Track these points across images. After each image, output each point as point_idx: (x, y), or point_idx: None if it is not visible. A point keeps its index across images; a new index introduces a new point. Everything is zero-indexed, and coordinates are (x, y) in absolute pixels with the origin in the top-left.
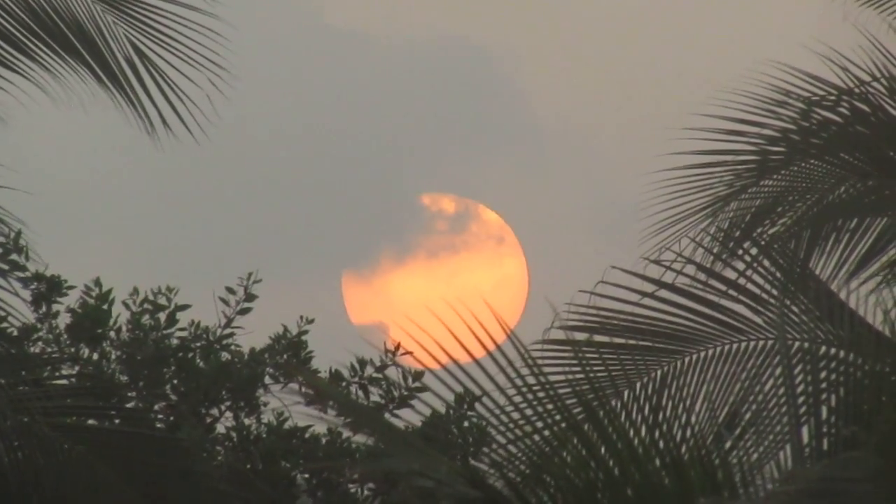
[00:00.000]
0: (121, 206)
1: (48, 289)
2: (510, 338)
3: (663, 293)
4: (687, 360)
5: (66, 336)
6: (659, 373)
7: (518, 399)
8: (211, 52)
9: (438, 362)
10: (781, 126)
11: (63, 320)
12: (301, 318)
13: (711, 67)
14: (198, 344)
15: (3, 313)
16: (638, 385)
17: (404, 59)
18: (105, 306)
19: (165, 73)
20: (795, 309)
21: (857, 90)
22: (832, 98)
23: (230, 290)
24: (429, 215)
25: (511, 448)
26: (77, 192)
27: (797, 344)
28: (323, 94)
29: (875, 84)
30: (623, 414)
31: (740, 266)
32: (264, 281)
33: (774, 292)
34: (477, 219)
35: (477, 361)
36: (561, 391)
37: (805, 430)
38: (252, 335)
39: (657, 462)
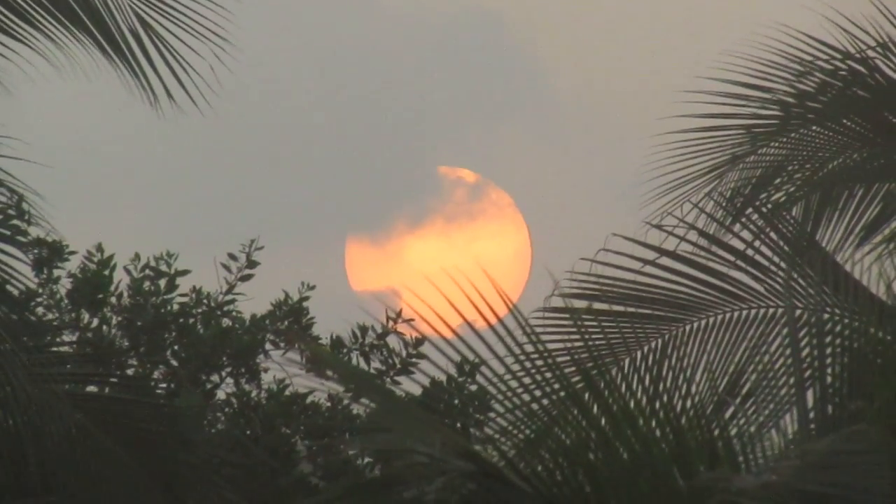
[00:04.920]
0: (125, 172)
1: (50, 254)
2: (510, 307)
3: (664, 260)
4: (688, 328)
5: (66, 301)
6: (659, 341)
7: (517, 368)
8: (215, 24)
9: (437, 332)
10: (783, 90)
11: (65, 285)
12: (302, 284)
13: (723, 27)
14: (199, 310)
15: (5, 277)
16: (638, 353)
17: (417, 25)
18: (106, 272)
19: (170, 43)
20: (797, 276)
21: (858, 54)
22: (836, 61)
23: (232, 257)
24: (437, 185)
25: (510, 417)
26: (81, 160)
27: (797, 312)
28: (335, 62)
29: (878, 49)
30: (623, 384)
31: (743, 234)
32: (268, 248)
33: (777, 260)
34: (484, 189)
35: (476, 331)
36: (560, 360)
37: (805, 399)
38: (254, 301)
39: (657, 432)
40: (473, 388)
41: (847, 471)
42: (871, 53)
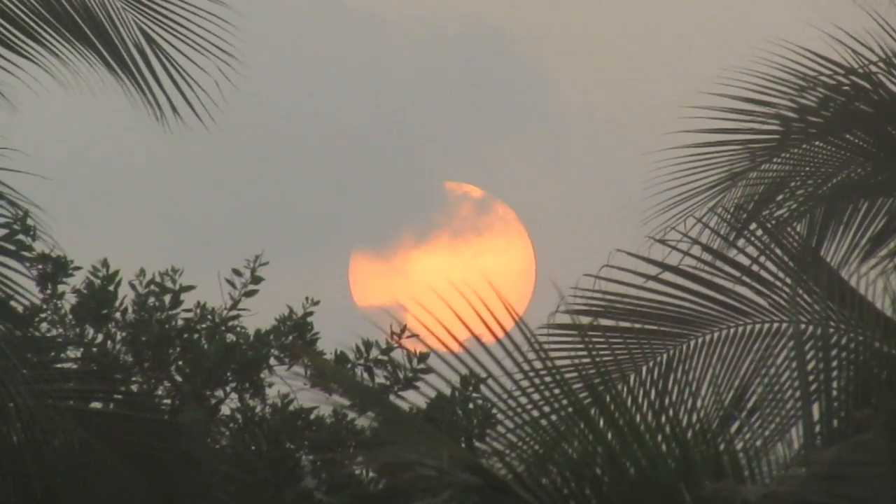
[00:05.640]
0: (130, 187)
1: (54, 269)
2: (516, 322)
3: (669, 276)
4: (693, 343)
5: (70, 317)
6: (665, 356)
7: (525, 383)
8: (220, 39)
9: (445, 346)
10: (786, 105)
11: (69, 301)
12: (307, 299)
13: (726, 44)
14: (203, 325)
15: (9, 293)
16: (644, 369)
17: (422, 41)
18: (111, 287)
19: (175, 59)
20: (801, 290)
21: (861, 69)
22: (839, 76)
23: (237, 272)
24: (443, 200)
25: (519, 433)
26: (86, 175)
27: (802, 326)
28: (339, 78)
29: (881, 64)
30: (629, 399)
31: (747, 249)
32: (273, 262)
33: (781, 275)
34: (490, 204)
35: (483, 345)
36: (567, 375)
37: (811, 413)
38: (258, 316)
39: (663, 447)
40: (479, 401)
41: (852, 482)
42: (874, 69)
